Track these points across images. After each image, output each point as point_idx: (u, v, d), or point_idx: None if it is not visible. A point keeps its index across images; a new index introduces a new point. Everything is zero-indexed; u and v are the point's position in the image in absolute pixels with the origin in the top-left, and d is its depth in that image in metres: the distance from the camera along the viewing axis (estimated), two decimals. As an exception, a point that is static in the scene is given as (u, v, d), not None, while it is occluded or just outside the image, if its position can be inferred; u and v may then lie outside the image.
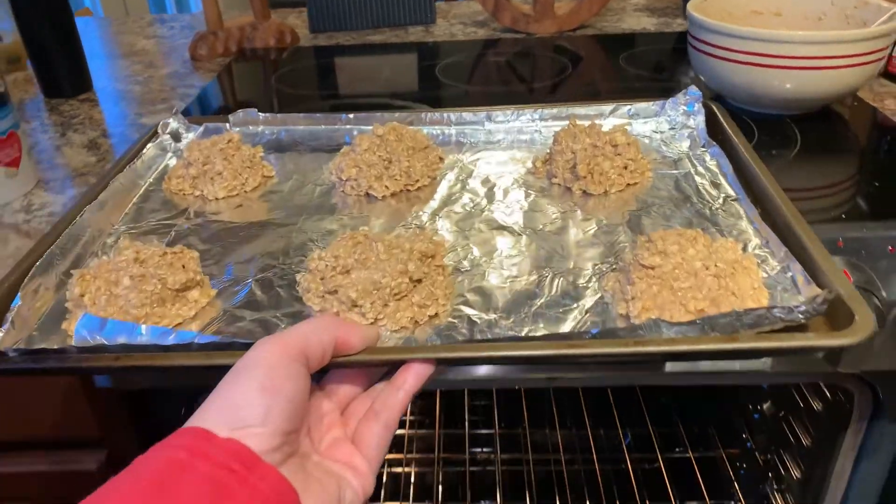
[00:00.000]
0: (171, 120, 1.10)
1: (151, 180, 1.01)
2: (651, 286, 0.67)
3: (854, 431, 0.96)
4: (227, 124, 1.12)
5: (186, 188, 0.97)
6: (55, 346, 0.67)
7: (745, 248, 0.76)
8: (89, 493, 0.46)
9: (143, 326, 0.67)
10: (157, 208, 0.95)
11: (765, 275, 0.70)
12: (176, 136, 1.10)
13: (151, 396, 0.96)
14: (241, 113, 1.11)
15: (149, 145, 1.04)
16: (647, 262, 0.68)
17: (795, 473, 1.20)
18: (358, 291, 0.69)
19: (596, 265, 0.76)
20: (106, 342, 0.67)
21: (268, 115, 1.12)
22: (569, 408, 1.65)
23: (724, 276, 0.66)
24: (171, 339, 0.66)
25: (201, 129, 1.11)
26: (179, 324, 0.73)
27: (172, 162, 1.06)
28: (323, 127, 1.11)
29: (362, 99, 1.38)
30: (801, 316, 0.61)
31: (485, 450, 1.59)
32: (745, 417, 1.43)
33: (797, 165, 1.02)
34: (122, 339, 0.67)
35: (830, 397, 1.05)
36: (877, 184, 0.96)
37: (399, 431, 1.59)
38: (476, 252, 0.80)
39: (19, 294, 0.73)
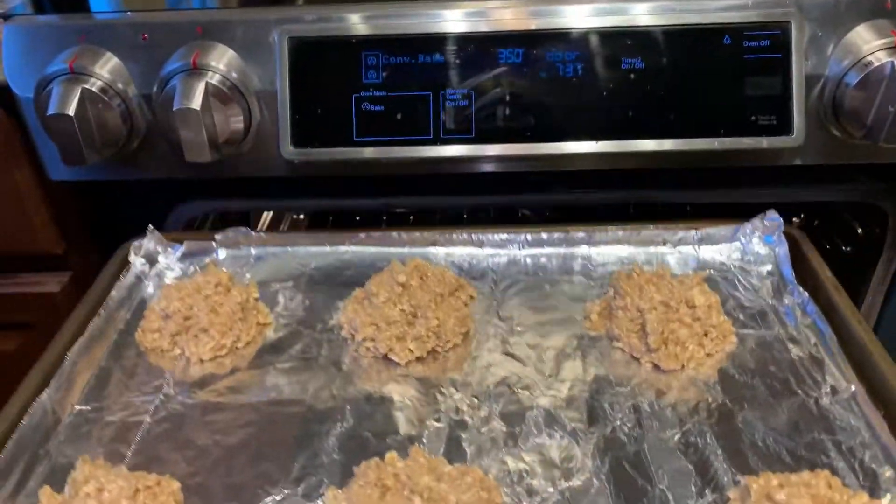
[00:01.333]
0: (144, 240, 0.91)
1: (122, 326, 0.84)
2: (781, 579, 0.51)
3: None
4: (213, 242, 0.93)
5: (164, 345, 0.80)
6: None
7: (874, 480, 0.60)
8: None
9: None
10: (128, 373, 0.77)
11: None
12: (151, 259, 0.92)
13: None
14: (230, 232, 0.93)
15: (118, 282, 0.86)
16: (775, 541, 0.52)
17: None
18: (391, 578, 0.52)
19: (690, 492, 0.60)
20: None
21: (262, 234, 0.94)
22: None
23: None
24: None
25: (181, 248, 0.93)
26: None
27: (149, 291, 0.89)
28: (328, 248, 0.93)
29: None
30: None
31: None
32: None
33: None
34: None
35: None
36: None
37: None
38: (540, 476, 0.63)
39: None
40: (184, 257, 0.93)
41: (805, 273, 0.83)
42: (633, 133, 0.89)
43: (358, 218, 1.57)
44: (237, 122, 0.87)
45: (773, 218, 0.87)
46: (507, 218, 1.22)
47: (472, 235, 0.92)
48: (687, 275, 0.80)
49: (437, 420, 0.70)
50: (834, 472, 0.59)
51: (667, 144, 0.89)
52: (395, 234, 0.92)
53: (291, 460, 0.66)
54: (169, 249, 0.92)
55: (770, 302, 0.82)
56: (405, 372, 0.76)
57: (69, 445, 0.69)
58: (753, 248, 0.88)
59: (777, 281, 0.84)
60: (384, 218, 1.25)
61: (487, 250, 0.92)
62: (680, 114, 0.89)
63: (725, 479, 0.61)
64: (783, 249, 0.85)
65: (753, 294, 0.83)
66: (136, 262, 0.90)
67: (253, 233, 0.93)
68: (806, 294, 0.79)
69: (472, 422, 0.69)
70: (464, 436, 0.68)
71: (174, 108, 0.82)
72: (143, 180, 0.96)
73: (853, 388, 0.68)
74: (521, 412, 0.70)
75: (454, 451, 0.66)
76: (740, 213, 0.92)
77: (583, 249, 0.91)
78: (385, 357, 0.77)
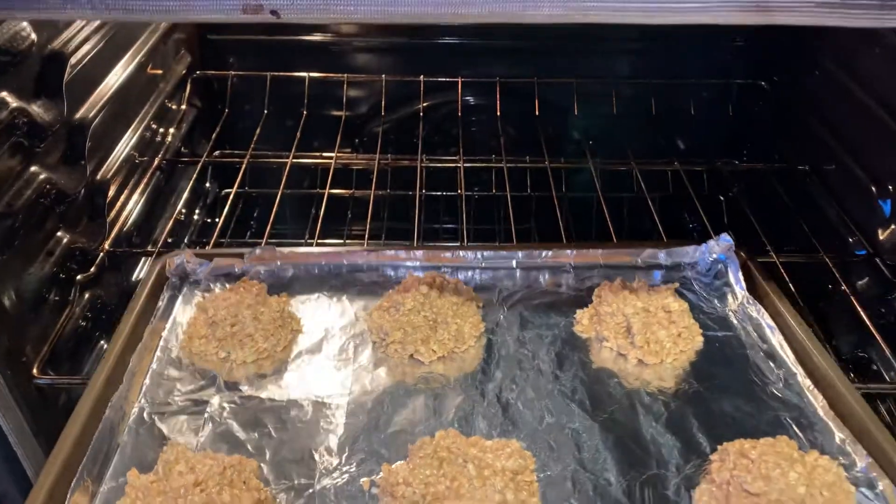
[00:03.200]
0: (177, 257, 1.00)
1: (165, 334, 0.92)
2: (758, 518, 0.65)
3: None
4: (243, 259, 1.03)
5: (210, 350, 0.89)
6: None
7: (822, 446, 0.76)
8: None
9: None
10: (179, 376, 0.86)
11: (851, 481, 0.70)
12: (183, 276, 1.00)
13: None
14: (257, 250, 1.03)
15: (160, 297, 0.95)
16: (752, 488, 0.67)
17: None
18: (457, 529, 0.64)
19: (679, 467, 0.74)
20: None
21: (284, 250, 1.04)
22: None
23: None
24: None
25: (210, 265, 1.02)
26: (246, 557, 0.65)
27: (180, 307, 0.97)
28: (345, 262, 1.04)
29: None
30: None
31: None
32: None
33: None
34: None
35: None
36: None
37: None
38: (559, 450, 0.76)
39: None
40: (212, 273, 1.02)
41: (754, 284, 1.00)
42: None
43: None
44: None
45: (725, 239, 1.04)
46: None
47: (476, 254, 1.05)
48: (660, 286, 0.96)
49: (463, 407, 0.82)
50: (791, 438, 0.74)
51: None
52: (402, 252, 1.04)
53: (344, 444, 0.77)
54: (198, 267, 1.01)
55: (726, 309, 0.98)
56: (429, 369, 0.88)
57: (138, 437, 0.77)
58: (708, 262, 1.05)
59: (731, 291, 1.00)
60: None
61: (483, 273, 1.05)
62: None
63: (707, 447, 0.76)
64: (734, 265, 1.02)
65: (712, 302, 0.99)
66: (172, 277, 0.98)
67: (277, 249, 1.03)
68: (755, 302, 0.96)
69: (491, 409, 0.82)
70: (485, 420, 0.80)
71: None
72: None
73: (799, 377, 0.85)
74: (540, 397, 0.83)
75: (483, 432, 0.78)
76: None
77: (566, 265, 1.05)
78: (411, 357, 0.89)
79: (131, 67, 1.13)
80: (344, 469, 0.74)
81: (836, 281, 1.07)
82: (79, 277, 0.97)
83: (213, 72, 1.41)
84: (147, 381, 0.85)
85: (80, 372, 0.96)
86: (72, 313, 0.95)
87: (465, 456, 0.69)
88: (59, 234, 0.94)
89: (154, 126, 1.23)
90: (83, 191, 0.98)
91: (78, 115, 0.98)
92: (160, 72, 1.27)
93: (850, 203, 1.11)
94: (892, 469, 0.72)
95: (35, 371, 0.87)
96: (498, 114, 1.41)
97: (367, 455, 0.76)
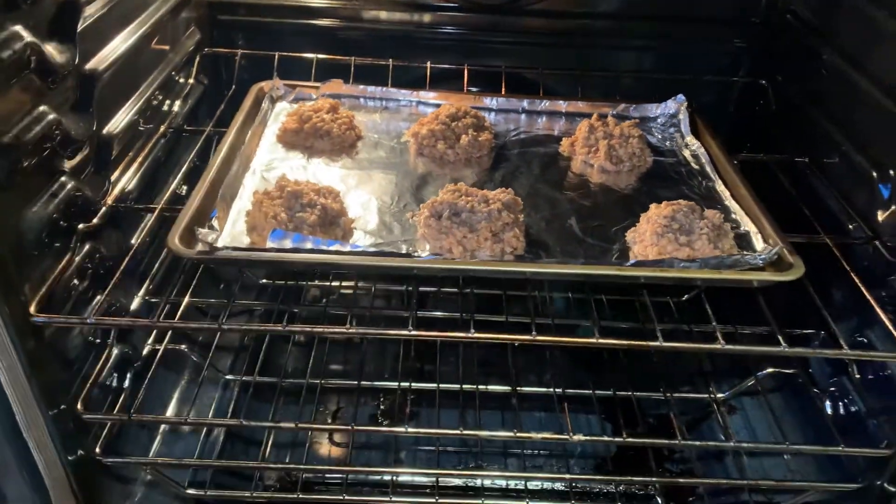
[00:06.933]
0: (269, 82, 1.35)
1: (265, 130, 1.27)
2: (663, 238, 1.01)
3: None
4: (318, 89, 1.38)
5: (299, 141, 1.24)
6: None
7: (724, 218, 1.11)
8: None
9: (320, 239, 0.96)
10: (277, 154, 1.22)
11: (734, 232, 1.05)
12: (272, 98, 1.36)
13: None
14: (329, 81, 1.38)
15: (262, 105, 1.31)
16: (661, 222, 1.02)
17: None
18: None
19: (621, 220, 1.10)
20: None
21: (349, 84, 1.39)
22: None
23: (712, 237, 1.01)
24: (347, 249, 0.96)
25: (294, 92, 1.37)
26: (332, 242, 1.02)
27: (273, 116, 1.32)
28: (393, 97, 1.40)
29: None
30: (760, 262, 0.97)
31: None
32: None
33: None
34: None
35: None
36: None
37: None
38: (537, 208, 1.12)
39: (216, 209, 1.01)
40: (295, 99, 1.37)
41: (697, 131, 1.34)
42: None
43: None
44: None
45: (680, 99, 1.38)
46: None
47: (492, 99, 1.40)
48: (624, 122, 1.31)
49: (476, 184, 1.17)
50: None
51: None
52: (440, 93, 1.39)
53: (394, 194, 1.13)
54: (285, 93, 1.37)
55: (674, 145, 1.33)
56: (453, 165, 1.24)
57: (253, 181, 1.13)
58: (667, 116, 1.39)
59: (680, 135, 1.35)
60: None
61: (498, 108, 1.40)
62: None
63: (639, 213, 1.11)
64: (685, 116, 1.36)
65: (665, 142, 1.34)
66: (268, 95, 1.34)
67: (344, 84, 1.38)
68: (697, 142, 1.30)
69: (495, 186, 1.17)
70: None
71: None
72: None
73: (717, 184, 1.20)
74: (523, 184, 1.18)
75: (490, 197, 1.14)
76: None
77: (562, 112, 1.40)
78: (441, 157, 1.24)
79: (140, 33, 1.13)
80: (394, 210, 1.10)
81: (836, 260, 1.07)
82: (80, 226, 0.97)
83: (221, 49, 1.47)
84: (255, 154, 1.20)
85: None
86: (71, 261, 0.95)
87: (476, 194, 1.05)
88: (63, 178, 0.94)
89: (160, 96, 1.25)
90: (88, 142, 0.99)
91: (88, 66, 0.99)
92: (167, 47, 1.30)
93: (850, 190, 1.16)
94: (764, 230, 1.06)
95: (32, 309, 0.87)
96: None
97: (409, 202, 1.12)
